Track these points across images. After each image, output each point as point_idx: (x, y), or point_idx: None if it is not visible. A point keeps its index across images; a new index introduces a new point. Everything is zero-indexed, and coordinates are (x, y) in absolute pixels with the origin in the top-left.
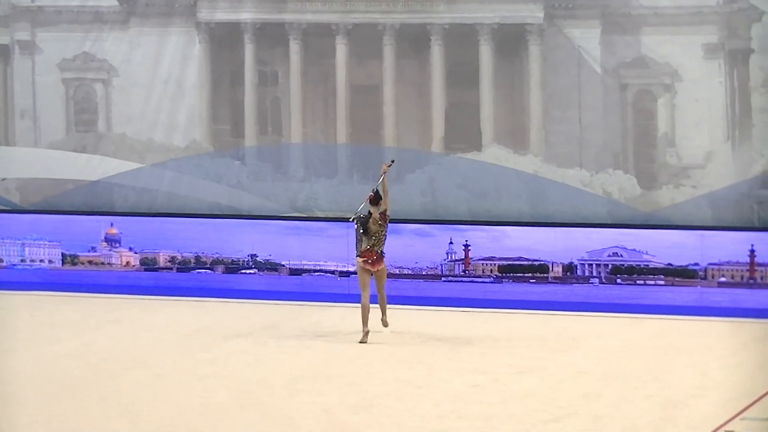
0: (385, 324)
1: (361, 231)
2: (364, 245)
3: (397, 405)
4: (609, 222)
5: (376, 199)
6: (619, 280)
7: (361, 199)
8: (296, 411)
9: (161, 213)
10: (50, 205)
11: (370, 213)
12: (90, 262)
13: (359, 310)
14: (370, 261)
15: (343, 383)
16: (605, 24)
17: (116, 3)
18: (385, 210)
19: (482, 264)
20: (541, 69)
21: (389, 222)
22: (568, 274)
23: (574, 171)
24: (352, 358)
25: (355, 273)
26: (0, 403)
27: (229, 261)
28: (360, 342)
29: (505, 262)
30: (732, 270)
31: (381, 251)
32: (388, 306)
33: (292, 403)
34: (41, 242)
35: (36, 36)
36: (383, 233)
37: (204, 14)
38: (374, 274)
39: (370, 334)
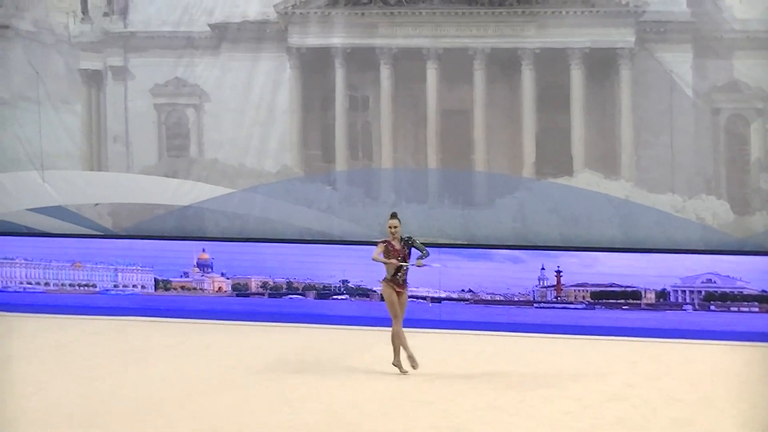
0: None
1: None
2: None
3: (489, 431)
4: (702, 248)
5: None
6: (712, 307)
7: (452, 224)
8: None
9: (252, 238)
10: (142, 230)
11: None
12: (182, 288)
13: (452, 337)
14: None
15: (435, 409)
16: (697, 48)
17: (208, 28)
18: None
19: (574, 290)
20: (633, 93)
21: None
22: (661, 300)
23: (666, 196)
24: (444, 383)
25: (446, 299)
26: (95, 424)
27: (321, 286)
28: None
29: (597, 289)
30: None
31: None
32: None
33: (383, 427)
34: (133, 267)
35: (128, 61)
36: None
37: (295, 39)
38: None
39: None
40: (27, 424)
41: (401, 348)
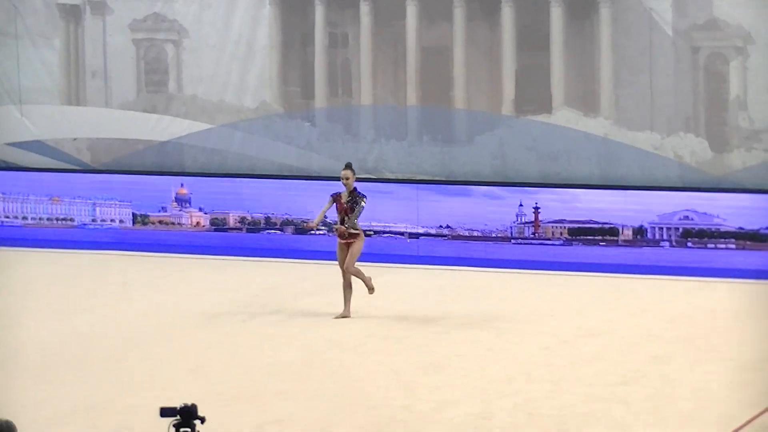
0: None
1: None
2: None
3: (466, 366)
4: (680, 185)
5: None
6: (689, 244)
7: (431, 161)
8: (365, 371)
9: (231, 174)
10: (120, 165)
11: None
12: (160, 222)
13: (429, 272)
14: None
15: (412, 344)
16: None
17: None
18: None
19: (552, 227)
20: (612, 32)
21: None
22: (639, 237)
23: (645, 134)
24: (421, 319)
25: (424, 235)
26: (72, 359)
27: (299, 222)
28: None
29: (575, 225)
30: None
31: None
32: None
33: (361, 363)
34: (112, 202)
35: None
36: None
37: None
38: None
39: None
40: (3, 357)
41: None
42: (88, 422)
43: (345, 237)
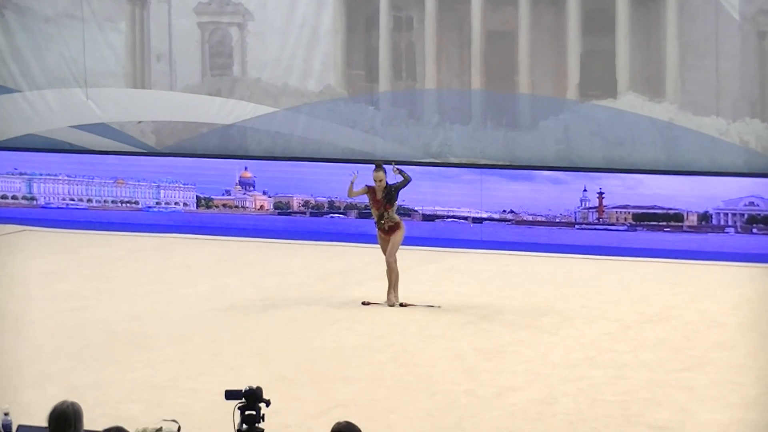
0: (390, 303)
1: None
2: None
3: (529, 352)
4: (745, 171)
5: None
6: (754, 230)
7: (495, 146)
8: (428, 356)
9: (295, 157)
10: (185, 149)
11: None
12: (224, 206)
13: (493, 257)
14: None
15: (475, 329)
16: None
17: None
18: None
19: (616, 212)
20: (678, 16)
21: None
22: (703, 223)
23: (711, 119)
24: (484, 304)
25: (488, 220)
26: (136, 341)
27: (363, 206)
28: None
29: (639, 211)
30: None
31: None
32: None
33: (424, 348)
34: (176, 185)
35: None
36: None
37: None
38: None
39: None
40: (69, 339)
41: (389, 285)
42: (153, 404)
43: (386, 231)
